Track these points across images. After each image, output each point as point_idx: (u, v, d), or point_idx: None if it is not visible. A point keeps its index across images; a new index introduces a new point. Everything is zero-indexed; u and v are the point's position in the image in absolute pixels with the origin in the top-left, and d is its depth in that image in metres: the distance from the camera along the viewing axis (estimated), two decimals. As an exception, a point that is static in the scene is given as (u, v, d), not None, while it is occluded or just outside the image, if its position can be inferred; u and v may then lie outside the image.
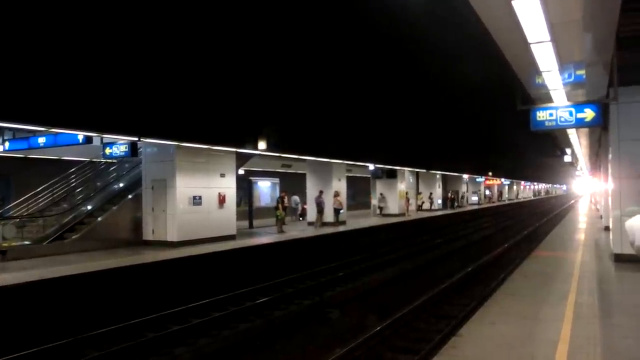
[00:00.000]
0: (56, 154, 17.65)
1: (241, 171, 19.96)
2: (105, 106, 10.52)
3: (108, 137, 14.03)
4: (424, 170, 31.93)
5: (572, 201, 67.69)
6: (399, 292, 11.62)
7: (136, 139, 12.74)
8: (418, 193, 33.32)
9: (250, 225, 19.73)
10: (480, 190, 46.89)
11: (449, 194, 35.61)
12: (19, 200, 15.34)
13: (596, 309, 6.70)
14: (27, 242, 13.07)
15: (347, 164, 22.27)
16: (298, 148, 17.34)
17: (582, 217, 28.81)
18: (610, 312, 6.72)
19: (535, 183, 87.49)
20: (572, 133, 18.92)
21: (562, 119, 10.35)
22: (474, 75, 29.94)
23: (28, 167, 18.17)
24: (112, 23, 10.56)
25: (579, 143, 22.87)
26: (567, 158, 32.68)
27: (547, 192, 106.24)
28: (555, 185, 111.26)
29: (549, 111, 10.41)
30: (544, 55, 7.47)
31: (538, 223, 29.97)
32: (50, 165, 17.62)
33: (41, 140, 14.25)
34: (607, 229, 14.71)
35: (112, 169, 17.06)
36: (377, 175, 27.61)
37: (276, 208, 17.93)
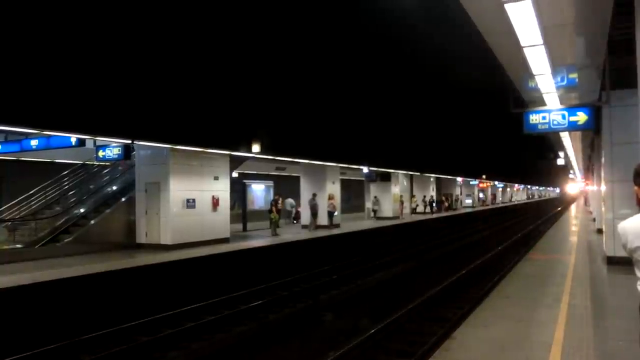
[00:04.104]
0: (49, 157, 17.53)
1: (235, 174, 19.91)
2: (98, 108, 10.47)
3: (101, 140, 13.96)
4: (418, 174, 32.00)
5: (565, 204, 68.04)
6: (393, 295, 11.61)
7: (129, 141, 12.69)
8: (412, 196, 33.38)
9: (244, 228, 19.66)
10: (474, 193, 47.00)
11: (431, 197, 35.05)
12: (10, 203, 15.21)
13: (589, 312, 6.72)
14: (18, 246, 12.95)
15: (341, 167, 22.28)
16: (292, 151, 17.34)
17: (575, 220, 28.95)
18: (603, 315, 6.74)
19: (529, 186, 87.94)
20: (565, 136, 19.05)
21: (555, 122, 10.41)
22: (468, 79, 30.11)
23: (20, 169, 18.03)
24: (106, 25, 10.52)
25: (572, 146, 23.02)
26: (560, 161, 32.90)
27: (540, 195, 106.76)
28: (548, 188, 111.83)
29: (541, 114, 10.47)
30: (537, 59, 7.51)
31: (531, 225, 30.08)
32: (43, 168, 17.49)
33: (34, 142, 14.14)
34: (599, 231, 14.78)
35: (105, 171, 16.96)
36: (371, 178, 27.62)
37: (270, 211, 17.88)
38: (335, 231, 19.37)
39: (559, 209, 52.98)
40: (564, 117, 10.32)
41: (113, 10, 10.76)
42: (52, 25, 9.47)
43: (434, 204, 34.55)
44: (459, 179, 41.50)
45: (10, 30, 8.76)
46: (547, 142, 32.81)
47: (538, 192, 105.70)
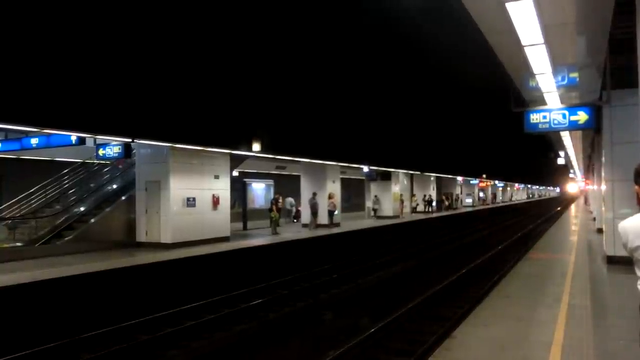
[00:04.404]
0: (49, 155, 17.53)
1: (235, 173, 19.91)
2: (98, 107, 10.46)
3: (101, 138, 13.95)
4: (418, 173, 31.98)
5: (565, 203, 68.03)
6: (393, 293, 11.61)
7: (129, 140, 12.68)
8: (412, 195, 33.34)
9: (245, 227, 19.67)
10: (474, 192, 46.99)
11: (429, 197, 34.65)
12: (11, 202, 15.21)
13: (589, 311, 6.71)
14: (18, 244, 12.95)
15: (342, 165, 22.27)
16: (292, 150, 17.33)
17: (575, 220, 28.94)
18: (603, 314, 6.74)
19: (529, 185, 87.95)
20: (565, 135, 19.03)
21: (556, 122, 10.40)
22: (469, 78, 30.07)
23: (20, 167, 18.03)
24: (107, 24, 10.51)
25: (572, 145, 23.00)
26: (561, 161, 32.87)
27: (540, 194, 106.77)
28: (548, 188, 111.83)
29: (542, 114, 10.46)
30: (538, 58, 7.50)
31: (531, 225, 30.08)
32: (43, 166, 17.49)
33: (34, 141, 14.13)
34: (600, 231, 14.77)
35: (105, 170, 16.96)
36: (371, 177, 27.62)
37: (270, 210, 17.88)
38: (336, 230, 19.37)
39: (559, 208, 52.97)
40: (564, 116, 10.31)
41: (113, 9, 10.75)
42: (52, 24, 9.47)
43: (432, 203, 34.24)
44: (459, 178, 41.48)
45: (11, 28, 8.75)
46: (548, 142, 32.80)
47: (538, 191, 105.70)
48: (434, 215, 31.89)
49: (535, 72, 8.38)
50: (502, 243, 19.99)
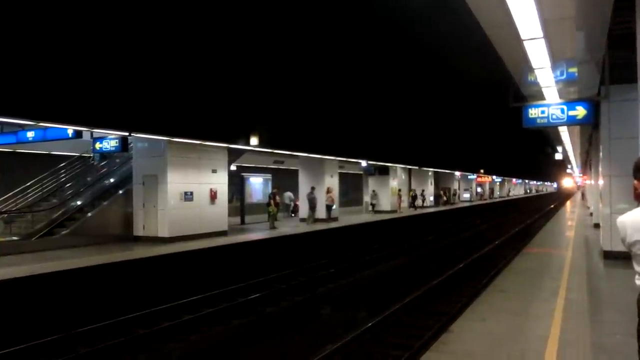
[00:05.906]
0: (45, 149, 17.45)
1: (233, 167, 19.88)
2: (95, 100, 10.41)
3: (98, 132, 13.90)
4: (416, 168, 31.93)
5: (563, 198, 68.16)
6: (391, 288, 11.63)
7: (126, 134, 12.64)
8: (410, 190, 33.33)
9: (242, 222, 19.67)
10: (471, 187, 47.03)
11: (414, 192, 32.73)
12: (7, 195, 15.15)
13: (586, 306, 6.74)
14: (15, 238, 12.91)
15: (340, 160, 22.24)
16: (290, 144, 17.30)
17: (572, 215, 29.02)
18: (599, 309, 6.76)
19: (526, 180, 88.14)
20: (563, 131, 19.04)
21: (554, 117, 10.40)
22: (468, 73, 30.05)
23: (16, 161, 17.96)
24: (103, 17, 10.44)
25: (570, 141, 23.04)
26: (558, 156, 32.93)
27: (537, 190, 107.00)
28: (546, 183, 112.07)
29: (540, 108, 10.46)
30: (537, 52, 7.48)
31: (529, 220, 30.14)
32: (40, 160, 17.43)
33: (30, 134, 14.07)
34: (596, 226, 14.82)
35: (102, 164, 16.89)
36: (369, 172, 27.63)
37: (268, 204, 17.88)
38: (333, 224, 19.39)
39: (556, 203, 53.08)
40: (562, 111, 10.31)
41: (111, 3, 10.68)
42: (49, 18, 9.40)
43: (416, 199, 31.98)
44: (457, 173, 41.48)
45: (8, 23, 8.69)
46: (546, 137, 32.85)
47: (535, 186, 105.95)
48: (431, 209, 31.86)
49: (534, 66, 8.36)
50: (499, 238, 20.02)
